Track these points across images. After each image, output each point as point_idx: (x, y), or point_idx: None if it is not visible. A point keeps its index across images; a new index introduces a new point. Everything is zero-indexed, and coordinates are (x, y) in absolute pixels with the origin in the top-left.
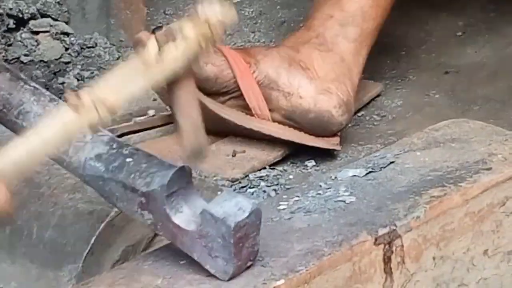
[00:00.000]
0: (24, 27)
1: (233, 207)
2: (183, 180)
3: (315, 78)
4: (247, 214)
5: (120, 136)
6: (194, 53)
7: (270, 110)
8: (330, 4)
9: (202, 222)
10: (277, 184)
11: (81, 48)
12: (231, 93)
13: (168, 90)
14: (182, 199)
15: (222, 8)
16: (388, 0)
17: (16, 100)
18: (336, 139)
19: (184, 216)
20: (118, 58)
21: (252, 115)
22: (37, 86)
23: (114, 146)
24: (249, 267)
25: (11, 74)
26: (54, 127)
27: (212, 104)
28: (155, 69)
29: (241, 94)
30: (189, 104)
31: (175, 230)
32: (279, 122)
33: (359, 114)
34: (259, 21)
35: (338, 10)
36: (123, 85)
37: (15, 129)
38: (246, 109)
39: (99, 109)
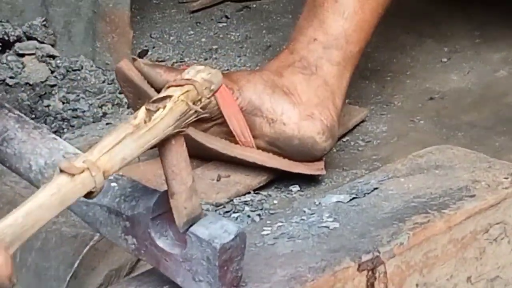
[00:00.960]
0: (10, 50)
1: (218, 230)
2: (168, 204)
3: (299, 103)
4: (232, 236)
5: None
6: (183, 115)
7: (254, 136)
8: (313, 27)
9: (186, 245)
10: (261, 209)
11: (67, 71)
12: (214, 120)
13: (159, 153)
14: (166, 223)
15: (208, 73)
16: (371, 24)
17: (0, 127)
18: (321, 164)
19: (169, 239)
20: (103, 81)
21: (236, 142)
22: (21, 114)
23: None
24: None
25: None
26: (51, 195)
27: (195, 133)
28: (145, 132)
29: (225, 121)
30: (181, 168)
31: (159, 254)
32: (263, 149)
33: (344, 139)
34: (245, 45)
35: (321, 33)
36: (115, 150)
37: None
38: (229, 135)
39: (94, 174)
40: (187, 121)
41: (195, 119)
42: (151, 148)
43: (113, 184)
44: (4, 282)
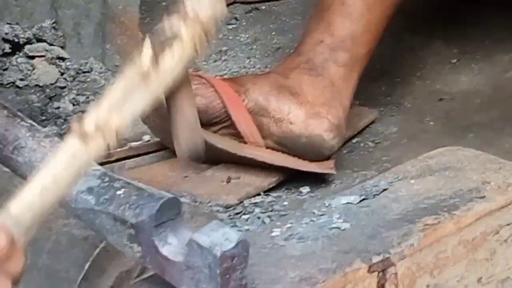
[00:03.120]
0: (20, 52)
1: (220, 237)
2: (172, 211)
3: (305, 103)
4: (233, 244)
5: (115, 161)
6: (190, 57)
7: (262, 137)
8: (320, 30)
9: (189, 252)
10: (271, 211)
11: (77, 73)
12: (222, 122)
13: (166, 97)
14: (170, 230)
15: (211, 2)
16: (380, 26)
17: (12, 135)
18: (330, 163)
19: (172, 247)
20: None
21: (244, 143)
22: (33, 123)
23: (106, 179)
24: None
25: (8, 111)
26: (64, 163)
27: (205, 134)
28: (154, 81)
29: (232, 123)
30: (186, 105)
31: (163, 262)
32: (272, 149)
33: (354, 141)
34: (254, 47)
35: (328, 35)
36: (125, 103)
37: (10, 164)
38: (238, 137)
39: (106, 135)
40: (194, 61)
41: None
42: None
43: (119, 192)
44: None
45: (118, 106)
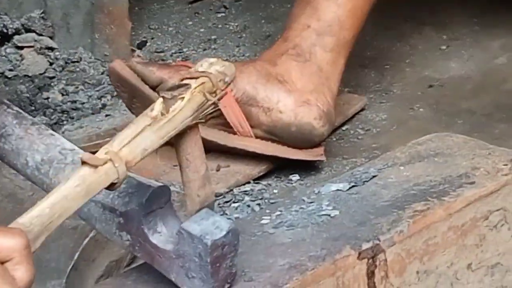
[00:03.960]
0: (9, 42)
1: (210, 226)
2: (161, 200)
3: (294, 90)
4: (224, 233)
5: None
6: (200, 106)
7: (251, 126)
8: (306, 15)
9: (179, 241)
10: (261, 199)
11: (66, 63)
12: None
13: (175, 143)
14: (160, 219)
15: (222, 65)
16: (365, 10)
17: None
18: (320, 150)
19: (162, 236)
20: (102, 73)
21: (234, 133)
22: (19, 110)
23: None
24: None
25: None
26: (76, 186)
27: None
28: (165, 124)
29: (221, 114)
30: (195, 156)
31: (152, 250)
32: (262, 138)
33: (343, 128)
34: (244, 35)
35: (314, 20)
36: (136, 141)
37: None
38: (227, 127)
39: (117, 165)
40: (204, 112)
41: (212, 110)
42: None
43: None
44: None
45: (130, 142)
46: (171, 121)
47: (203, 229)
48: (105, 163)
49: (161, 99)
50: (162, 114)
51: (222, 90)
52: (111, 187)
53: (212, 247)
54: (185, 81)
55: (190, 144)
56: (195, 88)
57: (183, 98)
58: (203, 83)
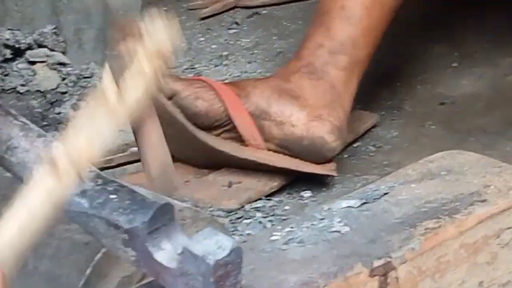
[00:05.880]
0: (21, 58)
1: (213, 245)
2: (165, 217)
3: (306, 105)
4: (227, 252)
5: (116, 166)
6: (152, 85)
7: (263, 140)
8: (320, 33)
9: (182, 260)
10: (273, 215)
11: (78, 78)
12: (223, 126)
13: (132, 129)
14: (164, 236)
15: (166, 26)
16: (379, 30)
17: (5, 135)
18: (332, 165)
19: (166, 253)
20: None
21: (246, 146)
22: (26, 121)
23: (99, 182)
24: None
25: (1, 109)
26: (39, 201)
27: (206, 137)
28: (119, 111)
29: (234, 127)
30: (155, 143)
31: (157, 268)
32: (273, 151)
33: (355, 145)
34: (256, 51)
35: (328, 39)
36: (92, 135)
37: (3, 164)
38: (239, 140)
39: (77, 167)
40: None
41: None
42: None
43: (112, 196)
44: None
45: (85, 137)
46: (125, 109)
47: (206, 249)
48: (66, 170)
49: (110, 78)
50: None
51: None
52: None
53: (215, 267)
54: (132, 52)
55: (147, 125)
56: (148, 71)
57: (135, 82)
58: (156, 67)
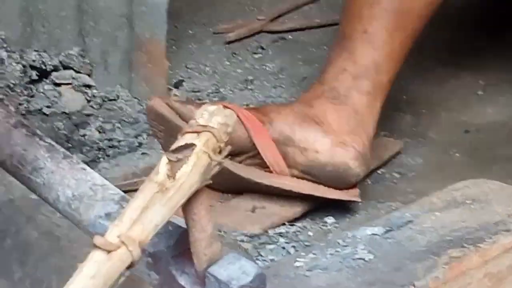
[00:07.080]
0: (47, 79)
1: (237, 271)
2: (190, 241)
3: (330, 131)
4: (250, 278)
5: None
6: (207, 167)
7: (287, 166)
8: (343, 58)
9: (206, 284)
10: (296, 241)
11: (103, 100)
12: (247, 152)
13: (183, 209)
14: (188, 260)
15: (224, 115)
16: (401, 54)
17: (31, 155)
18: (356, 191)
19: (190, 277)
20: (139, 111)
21: (270, 172)
22: (52, 142)
23: (124, 205)
24: None
25: (27, 130)
26: (91, 277)
27: (231, 164)
28: (172, 192)
29: (257, 153)
30: (201, 216)
31: None
32: (297, 178)
33: (379, 172)
34: (281, 76)
35: (351, 64)
36: (147, 217)
37: (29, 185)
38: (263, 167)
39: (129, 246)
40: (211, 172)
41: (218, 170)
42: None
43: None
44: None
45: (139, 219)
46: (179, 190)
47: (230, 274)
48: (118, 247)
49: (165, 161)
50: (169, 177)
51: (226, 145)
52: (127, 269)
53: None
54: (187, 136)
55: (196, 205)
56: (200, 148)
57: (188, 159)
58: (207, 140)
